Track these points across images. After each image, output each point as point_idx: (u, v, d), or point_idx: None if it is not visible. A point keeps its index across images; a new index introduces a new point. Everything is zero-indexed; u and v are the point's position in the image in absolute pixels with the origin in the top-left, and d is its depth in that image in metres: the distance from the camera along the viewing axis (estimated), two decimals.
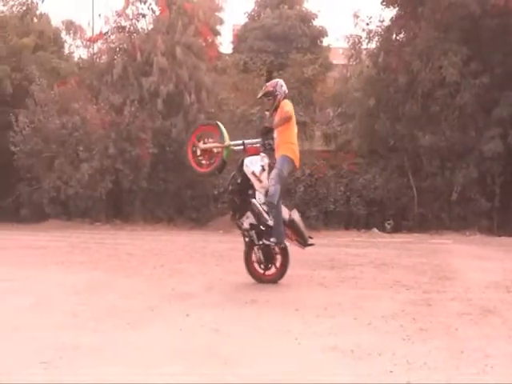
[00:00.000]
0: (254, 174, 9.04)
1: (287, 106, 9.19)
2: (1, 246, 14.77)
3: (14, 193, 24.05)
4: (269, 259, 9.38)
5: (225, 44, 40.69)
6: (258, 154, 9.23)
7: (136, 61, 23.49)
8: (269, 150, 9.24)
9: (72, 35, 27.65)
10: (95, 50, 26.58)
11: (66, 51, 28.93)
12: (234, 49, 32.53)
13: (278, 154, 9.09)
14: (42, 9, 27.79)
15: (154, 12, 24.80)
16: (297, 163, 9.31)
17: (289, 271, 10.18)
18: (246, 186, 9.13)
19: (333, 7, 59.81)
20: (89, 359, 5.56)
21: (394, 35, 22.70)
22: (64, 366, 5.36)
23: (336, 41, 30.35)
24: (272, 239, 9.03)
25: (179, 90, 23.00)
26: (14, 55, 25.24)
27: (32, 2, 27.30)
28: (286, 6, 31.99)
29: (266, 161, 9.17)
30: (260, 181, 9.03)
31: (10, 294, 8.60)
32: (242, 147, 9.44)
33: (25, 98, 23.33)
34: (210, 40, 25.52)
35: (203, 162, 9.68)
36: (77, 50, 29.33)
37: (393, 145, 21.72)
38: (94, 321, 6.97)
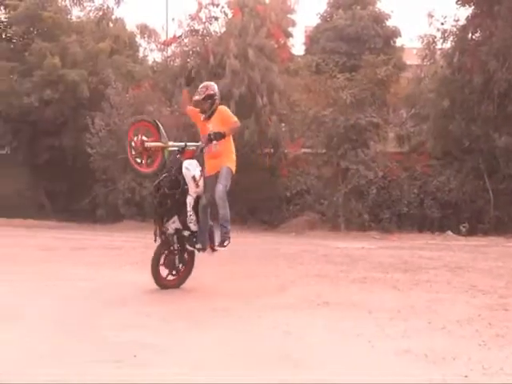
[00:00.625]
0: (194, 178, 8.84)
1: (234, 116, 9.05)
2: (78, 246, 15.11)
3: (90, 194, 24.64)
4: (180, 264, 9.14)
5: (297, 46, 40.61)
6: (192, 157, 9.05)
7: (209, 63, 23.72)
8: (199, 156, 9.07)
9: (146, 39, 28.25)
10: (169, 53, 27.00)
11: (141, 55, 29.53)
12: (306, 50, 32.50)
13: (221, 163, 8.90)
14: (117, 14, 28.45)
15: (226, 15, 25.04)
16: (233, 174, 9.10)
17: (362, 273, 10.09)
18: (179, 190, 8.87)
19: (406, 7, 59.08)
20: (160, 358, 5.63)
21: (470, 34, 22.30)
22: (136, 364, 5.44)
23: (410, 41, 29.91)
24: (198, 245, 8.96)
25: (251, 92, 23.12)
26: (90, 59, 25.87)
27: (108, 8, 27.96)
28: (358, 7, 31.80)
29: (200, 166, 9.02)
30: (197, 186, 8.86)
31: (87, 293, 8.78)
32: (178, 149, 9.14)
33: (101, 101, 23.91)
34: (281, 42, 25.58)
35: (140, 160, 9.30)
36: (151, 54, 29.93)
37: (468, 146, 21.34)
38: (167, 321, 7.06)
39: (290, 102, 24.09)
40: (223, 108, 9.14)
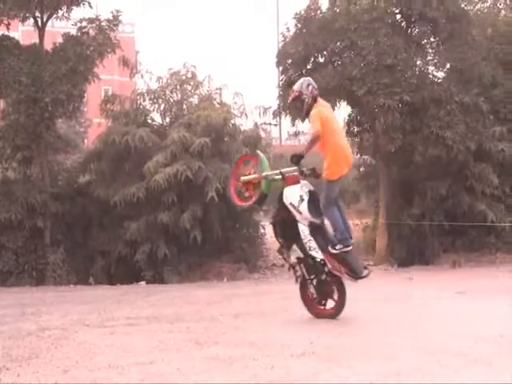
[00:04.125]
0: (292, 205, 8.45)
1: (315, 119, 8.33)
2: None
3: None
4: (324, 294, 8.68)
5: None
6: (298, 182, 8.61)
7: None
8: (310, 176, 8.69)
9: None
10: None
11: None
12: None
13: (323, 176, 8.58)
14: None
15: None
16: (346, 169, 8.61)
17: None
18: (288, 218, 8.60)
19: None
20: None
21: None
22: None
23: None
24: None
25: None
26: None
27: None
28: None
29: (306, 189, 8.57)
30: (299, 212, 8.44)
31: None
32: (280, 177, 8.74)
33: None
34: None
35: (246, 194, 9.05)
36: None
37: None
38: None
39: None
40: (313, 112, 8.49)
